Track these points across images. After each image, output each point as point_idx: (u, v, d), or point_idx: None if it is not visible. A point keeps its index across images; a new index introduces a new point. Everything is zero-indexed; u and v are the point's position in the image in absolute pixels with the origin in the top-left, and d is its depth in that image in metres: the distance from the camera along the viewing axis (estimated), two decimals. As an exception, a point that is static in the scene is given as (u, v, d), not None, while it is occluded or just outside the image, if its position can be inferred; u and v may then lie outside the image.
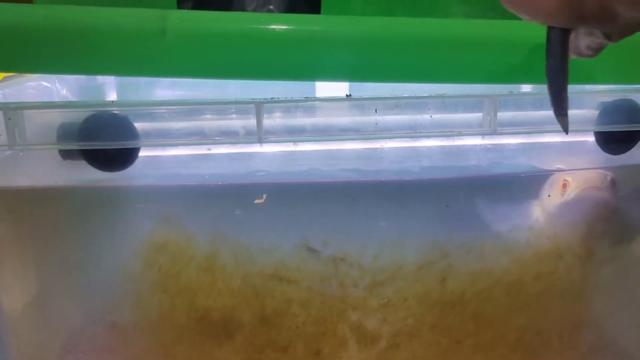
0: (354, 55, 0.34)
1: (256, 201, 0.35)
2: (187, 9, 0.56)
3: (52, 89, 0.52)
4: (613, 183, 0.39)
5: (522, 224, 0.38)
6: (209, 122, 0.34)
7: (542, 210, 0.38)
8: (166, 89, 0.57)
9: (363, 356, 0.39)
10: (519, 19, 0.26)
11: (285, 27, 0.34)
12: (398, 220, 0.37)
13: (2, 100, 0.41)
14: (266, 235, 0.37)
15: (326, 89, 0.46)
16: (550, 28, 0.26)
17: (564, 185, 0.38)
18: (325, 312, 0.38)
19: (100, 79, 0.58)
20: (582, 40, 0.26)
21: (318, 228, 0.37)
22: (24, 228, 0.37)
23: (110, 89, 0.60)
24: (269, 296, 0.37)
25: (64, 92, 0.54)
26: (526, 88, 0.44)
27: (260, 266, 0.37)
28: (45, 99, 0.49)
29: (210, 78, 0.34)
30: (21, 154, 0.35)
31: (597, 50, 0.27)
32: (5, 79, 0.46)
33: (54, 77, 0.52)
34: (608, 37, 0.25)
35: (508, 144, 0.38)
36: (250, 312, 0.37)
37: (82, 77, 0.57)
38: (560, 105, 0.28)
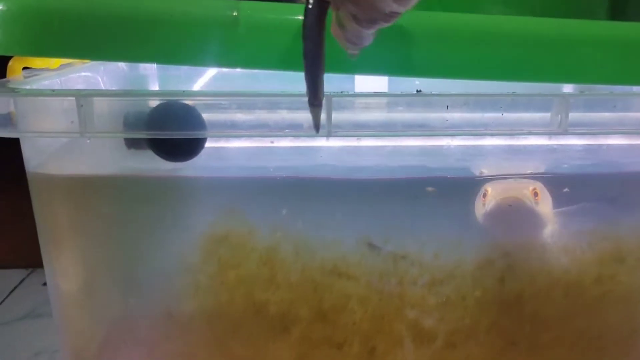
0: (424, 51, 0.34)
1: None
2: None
3: (97, 79, 0.52)
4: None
5: (584, 226, 0.38)
6: (276, 114, 0.34)
7: (604, 213, 0.38)
8: (207, 82, 0.57)
9: (418, 355, 0.39)
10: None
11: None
12: (459, 219, 0.37)
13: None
14: (328, 230, 0.37)
15: (365, 82, 0.46)
16: (306, 11, 0.25)
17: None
18: (383, 309, 0.38)
19: (142, 71, 0.58)
20: (344, 33, 0.26)
21: (380, 224, 0.37)
22: (86, 216, 0.37)
23: (153, 81, 0.60)
24: (327, 291, 0.37)
25: (109, 84, 0.54)
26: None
27: (320, 261, 0.37)
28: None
29: (279, 70, 0.34)
30: (88, 141, 0.35)
31: (356, 43, 0.26)
32: (61, 66, 0.46)
33: (101, 69, 0.52)
34: (358, 21, 0.24)
35: (574, 144, 0.38)
36: (308, 307, 0.37)
37: (125, 70, 0.57)
38: (315, 93, 0.26)
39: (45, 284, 0.82)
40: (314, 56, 0.26)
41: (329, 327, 0.38)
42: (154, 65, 0.59)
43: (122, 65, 0.55)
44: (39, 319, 0.72)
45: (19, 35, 0.33)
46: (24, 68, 0.45)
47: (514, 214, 0.36)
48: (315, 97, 0.27)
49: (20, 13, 0.32)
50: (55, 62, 0.47)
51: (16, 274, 0.84)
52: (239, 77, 0.57)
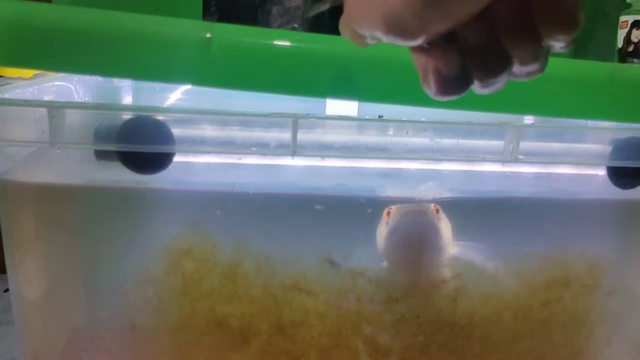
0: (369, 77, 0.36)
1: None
2: (212, 21, 0.58)
3: (71, 89, 0.53)
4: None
5: (535, 251, 0.40)
6: (243, 132, 0.35)
7: (554, 238, 0.40)
8: (179, 97, 0.58)
9: (373, 370, 0.40)
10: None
11: (325, 47, 0.35)
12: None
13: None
14: (290, 247, 0.38)
15: (335, 106, 0.48)
16: None
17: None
18: (340, 324, 0.39)
19: (116, 82, 0.59)
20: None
21: (340, 241, 0.38)
22: (52, 224, 0.37)
23: (127, 93, 0.60)
24: (287, 306, 0.38)
25: (82, 93, 0.55)
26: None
27: (282, 277, 0.38)
28: (66, 99, 0.49)
29: (249, 90, 0.36)
30: (58, 151, 0.36)
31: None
32: (35, 76, 0.47)
33: (75, 79, 0.52)
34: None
35: (525, 172, 0.40)
36: (268, 321, 0.38)
37: (99, 80, 0.57)
38: None
39: (6, 290, 0.81)
40: None
41: (288, 341, 0.39)
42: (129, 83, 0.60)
43: (98, 79, 0.56)
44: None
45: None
46: (-2, 76, 0.45)
47: (417, 227, 0.38)
48: None
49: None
50: (28, 71, 0.47)
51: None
52: (211, 92, 0.58)
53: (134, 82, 0.60)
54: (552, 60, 0.38)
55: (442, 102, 0.36)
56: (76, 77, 0.52)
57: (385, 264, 0.39)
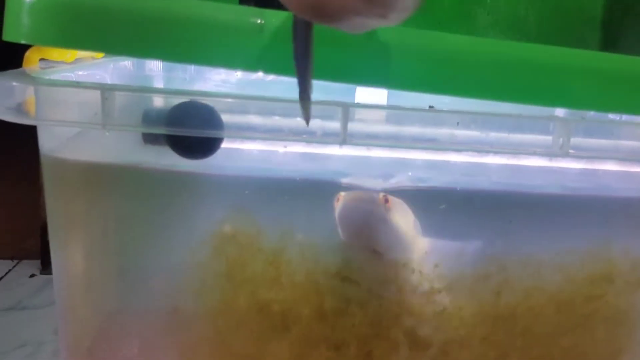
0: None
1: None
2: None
3: (106, 78, 0.53)
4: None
5: (579, 246, 0.39)
6: (290, 120, 0.35)
7: (598, 234, 0.40)
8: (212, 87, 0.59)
9: (412, 361, 0.40)
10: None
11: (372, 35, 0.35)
12: (462, 231, 0.38)
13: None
14: (334, 235, 0.38)
15: (365, 94, 0.47)
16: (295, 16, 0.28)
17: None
18: (382, 315, 0.39)
19: (147, 71, 0.59)
20: None
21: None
22: (97, 204, 0.37)
23: (158, 81, 0.61)
24: (329, 294, 0.38)
25: (117, 81, 0.55)
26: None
27: (325, 264, 0.38)
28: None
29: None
30: (107, 134, 0.36)
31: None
32: (76, 61, 0.47)
33: (110, 67, 0.53)
34: None
35: (572, 168, 0.40)
36: (309, 308, 0.38)
37: (132, 70, 0.58)
38: (304, 88, 0.29)
39: (32, 275, 0.82)
40: (303, 54, 0.29)
41: (328, 328, 0.39)
42: (160, 67, 0.60)
43: (129, 65, 0.56)
44: (25, 311, 0.72)
45: (48, 25, 0.33)
46: (41, 59, 0.45)
47: (362, 215, 0.37)
48: (305, 91, 0.29)
49: (51, 3, 0.33)
50: (71, 55, 0.47)
51: (1, 265, 0.84)
52: (245, 83, 0.58)
53: (165, 71, 0.60)
54: (585, 54, 0.38)
55: (477, 92, 0.37)
56: (112, 65, 0.53)
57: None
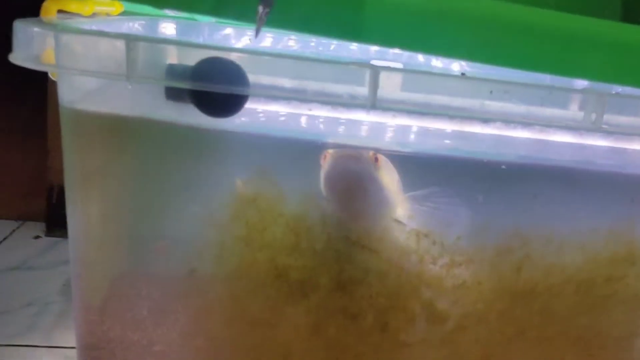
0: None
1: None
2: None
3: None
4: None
5: (602, 225, 0.39)
6: (317, 84, 0.34)
7: (623, 214, 0.39)
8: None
9: (429, 334, 0.39)
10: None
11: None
12: (486, 204, 0.38)
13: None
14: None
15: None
16: None
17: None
18: (400, 286, 0.38)
19: (159, 33, 0.58)
20: None
21: (407, 201, 0.37)
22: (117, 157, 0.37)
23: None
24: (348, 262, 0.38)
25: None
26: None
27: (346, 232, 0.37)
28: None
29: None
30: (130, 87, 0.35)
31: None
32: (93, 15, 0.46)
33: (126, 24, 0.52)
34: None
35: (600, 145, 0.39)
36: (328, 276, 0.38)
37: (141, 30, 0.56)
38: None
39: (36, 237, 0.82)
40: None
41: (346, 298, 0.38)
42: (172, 30, 0.59)
43: (138, 27, 0.55)
44: (31, 271, 0.71)
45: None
46: (58, 11, 0.44)
47: (351, 173, 0.36)
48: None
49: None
50: (89, 9, 0.46)
51: (6, 225, 0.83)
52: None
53: (179, 35, 0.59)
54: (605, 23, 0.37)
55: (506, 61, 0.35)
56: (128, 24, 0.52)
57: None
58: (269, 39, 0.56)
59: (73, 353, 0.53)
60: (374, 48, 0.55)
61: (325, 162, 0.36)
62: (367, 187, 0.36)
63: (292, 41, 0.57)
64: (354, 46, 0.56)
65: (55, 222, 0.82)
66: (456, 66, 0.49)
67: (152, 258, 0.38)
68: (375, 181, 0.36)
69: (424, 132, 0.38)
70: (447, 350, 0.39)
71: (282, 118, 0.37)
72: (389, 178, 0.37)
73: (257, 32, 0.30)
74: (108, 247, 0.38)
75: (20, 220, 0.86)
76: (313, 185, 0.37)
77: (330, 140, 0.37)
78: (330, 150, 0.36)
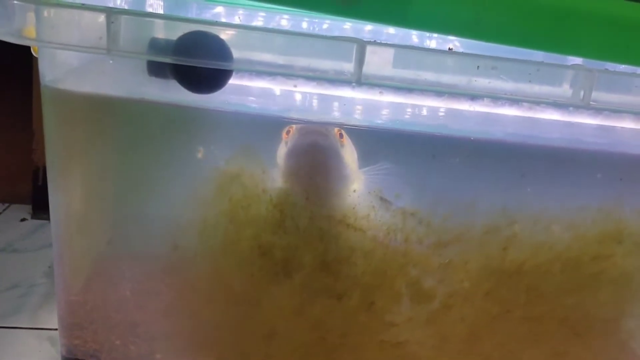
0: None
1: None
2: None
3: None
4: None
5: (591, 204, 0.38)
6: (302, 60, 0.33)
7: (612, 192, 0.39)
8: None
9: (415, 313, 0.39)
10: None
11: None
12: (473, 182, 0.37)
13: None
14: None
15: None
16: None
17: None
18: (386, 265, 0.38)
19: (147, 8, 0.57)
20: None
21: (394, 179, 0.37)
22: (98, 137, 0.36)
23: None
24: (333, 241, 0.37)
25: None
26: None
27: (330, 210, 0.37)
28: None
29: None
30: (111, 62, 0.34)
31: None
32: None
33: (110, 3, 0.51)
34: None
35: (589, 123, 0.38)
36: (312, 255, 0.37)
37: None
38: None
39: (23, 219, 0.81)
40: None
41: (331, 277, 0.38)
42: (160, 6, 0.58)
43: (125, 5, 0.54)
44: (16, 253, 0.70)
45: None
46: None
47: (319, 148, 0.36)
48: None
49: None
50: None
51: (-8, 208, 0.82)
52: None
53: (167, 9, 0.58)
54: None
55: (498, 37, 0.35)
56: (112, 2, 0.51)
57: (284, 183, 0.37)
58: (260, 19, 0.55)
59: (57, 335, 0.52)
60: (368, 28, 0.54)
61: (290, 137, 0.35)
62: (332, 163, 0.36)
63: (284, 20, 0.56)
64: (347, 26, 0.55)
65: (41, 205, 0.81)
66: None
67: (134, 237, 0.38)
68: (340, 157, 0.36)
69: (408, 110, 0.37)
70: (433, 329, 0.39)
71: (266, 94, 0.36)
72: (350, 154, 0.36)
73: None
74: (90, 226, 0.38)
75: (6, 203, 0.85)
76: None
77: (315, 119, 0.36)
78: (294, 126, 0.35)
